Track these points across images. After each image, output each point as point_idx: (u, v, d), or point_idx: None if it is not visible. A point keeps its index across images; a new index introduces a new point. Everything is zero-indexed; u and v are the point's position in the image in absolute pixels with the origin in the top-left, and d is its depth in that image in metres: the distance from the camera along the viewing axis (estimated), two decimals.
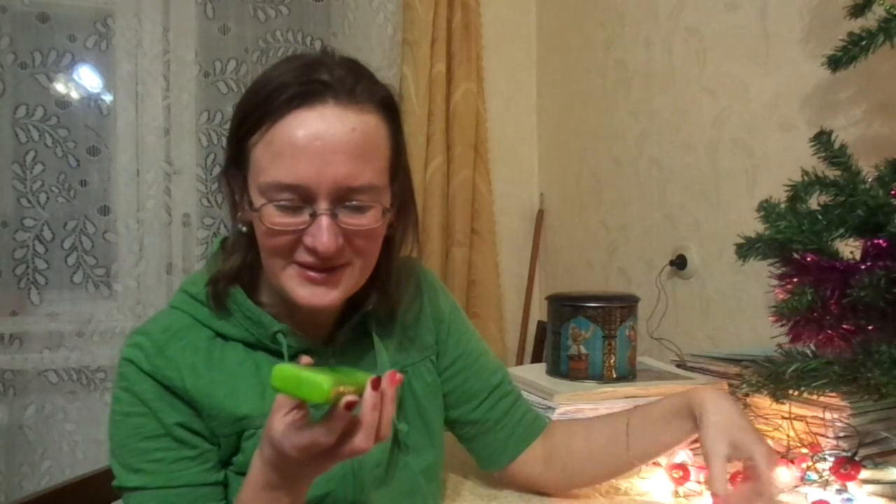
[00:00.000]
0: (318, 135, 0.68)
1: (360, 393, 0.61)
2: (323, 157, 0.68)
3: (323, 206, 0.69)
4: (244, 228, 0.76)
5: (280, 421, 0.62)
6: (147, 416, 0.74)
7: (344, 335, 0.82)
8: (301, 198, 0.69)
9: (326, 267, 0.71)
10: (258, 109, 0.71)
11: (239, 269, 0.78)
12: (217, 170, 2.10)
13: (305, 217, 0.70)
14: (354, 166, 0.69)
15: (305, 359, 0.65)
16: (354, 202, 0.70)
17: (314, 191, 0.69)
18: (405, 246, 0.83)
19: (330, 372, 0.61)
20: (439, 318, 0.92)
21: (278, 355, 0.77)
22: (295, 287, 0.72)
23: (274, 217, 0.70)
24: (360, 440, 0.62)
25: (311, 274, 0.71)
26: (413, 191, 0.83)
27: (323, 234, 0.68)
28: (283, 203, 0.69)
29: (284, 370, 0.60)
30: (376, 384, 0.62)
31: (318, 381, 0.58)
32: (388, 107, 0.75)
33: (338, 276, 0.72)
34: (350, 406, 0.60)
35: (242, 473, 0.76)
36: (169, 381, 0.74)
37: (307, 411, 0.63)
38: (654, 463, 1.04)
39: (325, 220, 0.69)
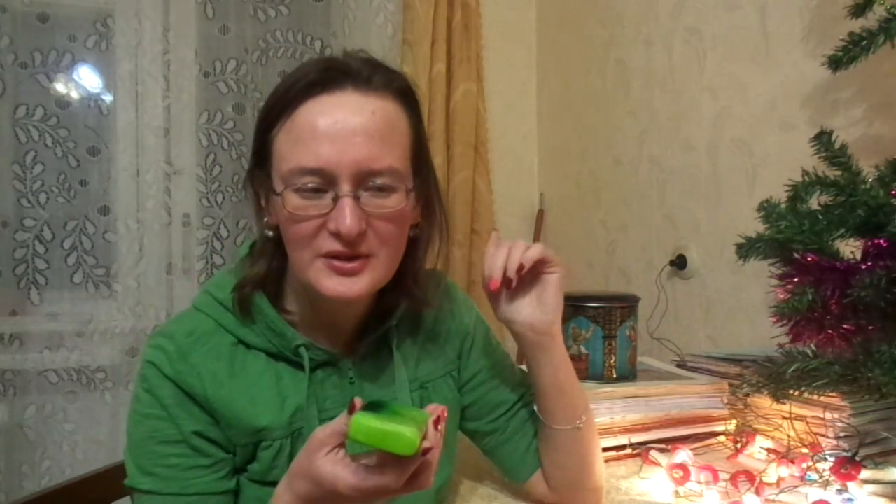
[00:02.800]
0: (338, 118, 0.69)
1: (424, 433, 0.61)
2: (344, 140, 0.68)
3: (345, 188, 0.68)
4: (270, 233, 0.76)
5: (328, 460, 0.62)
6: (165, 421, 0.73)
7: (365, 347, 0.82)
8: (323, 182, 0.69)
9: (352, 254, 0.70)
10: (279, 102, 0.72)
11: (265, 276, 0.78)
12: (217, 170, 2.10)
13: (328, 201, 0.69)
14: (375, 148, 0.69)
15: (358, 401, 0.63)
16: (377, 185, 0.70)
17: (336, 174, 0.68)
18: (432, 247, 0.82)
19: (397, 416, 0.60)
20: (463, 332, 0.91)
21: (300, 367, 0.77)
22: (322, 279, 0.71)
23: (296, 202, 0.70)
24: (426, 480, 0.62)
25: (337, 264, 0.70)
26: (439, 190, 0.82)
27: (346, 217, 0.68)
28: (305, 188, 0.69)
29: (367, 424, 0.59)
30: (437, 424, 0.62)
31: (406, 434, 0.58)
32: (406, 96, 0.76)
33: (363, 266, 0.71)
34: (427, 452, 0.60)
35: (256, 481, 0.77)
36: (190, 387, 0.74)
37: (345, 447, 0.63)
38: (653, 462, 1.04)
39: (347, 202, 0.68)
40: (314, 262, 0.71)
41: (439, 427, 0.63)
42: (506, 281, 0.79)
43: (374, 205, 0.70)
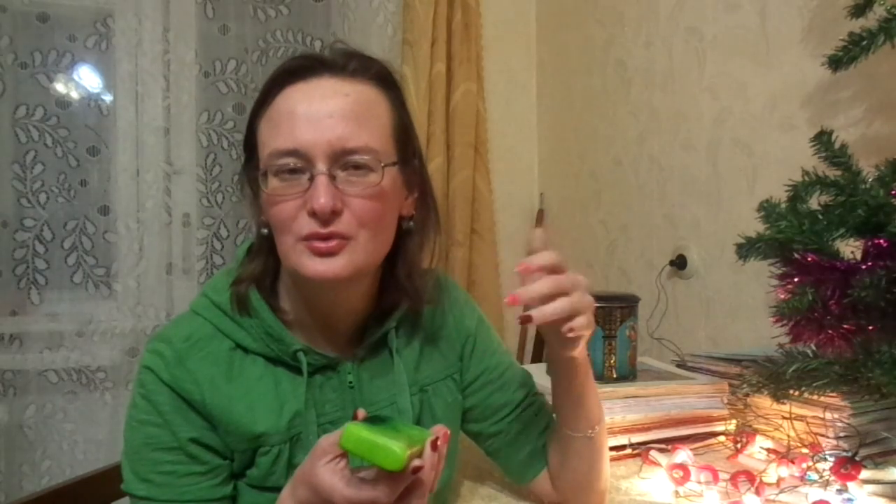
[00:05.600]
0: (314, 101, 0.71)
1: (419, 452, 0.61)
2: (318, 121, 0.70)
3: (320, 167, 0.69)
4: (265, 231, 0.76)
5: (327, 469, 0.62)
6: (162, 428, 0.73)
7: (364, 350, 0.81)
8: (300, 163, 0.70)
9: (329, 234, 0.70)
10: (261, 93, 0.75)
11: (261, 273, 0.78)
12: (217, 170, 2.10)
13: (305, 182, 0.70)
14: (349, 128, 0.70)
15: (361, 412, 0.64)
16: (352, 162, 0.71)
17: (311, 154, 0.69)
18: (427, 242, 0.82)
19: (392, 431, 0.61)
20: (464, 333, 0.90)
21: (298, 372, 0.77)
22: (303, 261, 0.71)
23: (275, 184, 0.71)
24: (417, 500, 0.62)
25: (317, 244, 0.70)
26: (430, 183, 0.83)
27: (320, 194, 0.68)
28: (283, 169, 0.70)
29: (358, 433, 0.59)
30: (435, 445, 0.63)
31: (393, 448, 0.58)
32: (386, 81, 0.77)
33: (340, 246, 0.71)
34: (417, 471, 0.60)
35: (254, 486, 0.76)
36: (187, 393, 0.73)
37: (348, 459, 0.63)
38: (653, 462, 1.04)
39: (321, 180, 0.69)
40: (296, 245, 0.71)
41: (438, 448, 0.63)
42: (524, 318, 0.71)
43: (350, 183, 0.71)
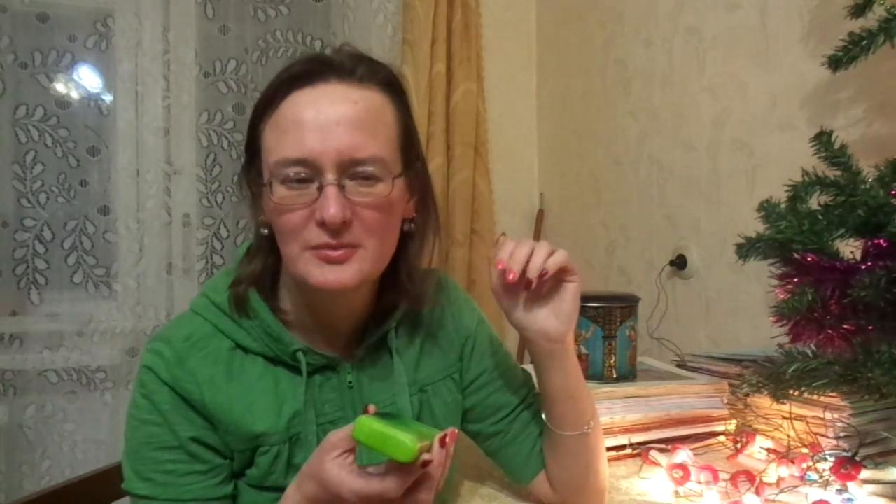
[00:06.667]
0: (322, 109, 0.70)
1: (428, 447, 0.62)
2: (327, 130, 0.69)
3: (329, 177, 0.69)
4: (265, 231, 0.76)
5: (335, 464, 0.62)
6: (162, 427, 0.73)
7: (364, 351, 0.81)
8: (308, 172, 0.69)
9: (338, 244, 0.70)
10: (266, 96, 0.73)
11: (260, 273, 0.78)
12: (217, 170, 2.10)
13: (313, 191, 0.69)
14: (358, 137, 0.70)
15: (372, 408, 0.65)
16: (361, 173, 0.70)
17: (320, 163, 0.69)
18: (427, 244, 0.82)
19: (403, 425, 0.62)
20: (464, 333, 0.90)
21: (298, 371, 0.77)
22: (310, 270, 0.71)
23: (282, 192, 0.70)
24: (425, 495, 0.63)
25: (325, 253, 0.70)
26: (431, 185, 0.82)
27: (330, 205, 0.68)
28: (290, 178, 0.69)
29: (370, 425, 0.60)
30: (443, 442, 0.63)
31: (405, 440, 0.59)
32: (393, 87, 0.76)
33: (350, 254, 0.71)
34: (426, 464, 0.61)
35: (254, 486, 0.77)
36: (187, 393, 0.74)
37: (355, 454, 0.64)
38: (653, 462, 1.04)
39: (331, 191, 0.68)
40: (303, 254, 0.71)
41: (447, 445, 0.63)
42: (524, 280, 0.77)
43: (359, 193, 0.70)
